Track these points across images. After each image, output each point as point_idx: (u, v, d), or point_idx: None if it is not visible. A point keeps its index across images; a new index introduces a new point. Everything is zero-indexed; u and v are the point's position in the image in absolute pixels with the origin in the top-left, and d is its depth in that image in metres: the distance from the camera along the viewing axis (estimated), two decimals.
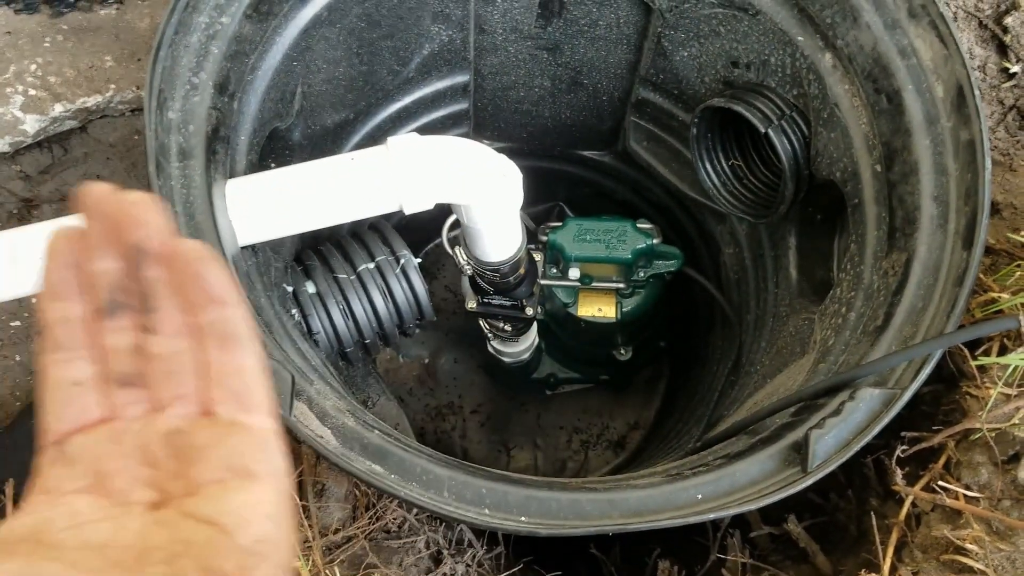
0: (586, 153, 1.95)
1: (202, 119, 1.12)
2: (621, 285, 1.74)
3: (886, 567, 0.97)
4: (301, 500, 1.06)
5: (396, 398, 2.10)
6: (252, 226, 1.15)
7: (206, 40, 1.16)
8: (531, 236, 1.71)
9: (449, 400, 2.16)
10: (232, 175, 1.18)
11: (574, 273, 1.72)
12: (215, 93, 1.14)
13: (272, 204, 1.15)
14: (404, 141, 1.16)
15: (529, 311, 1.59)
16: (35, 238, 1.13)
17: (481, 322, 1.76)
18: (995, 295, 1.07)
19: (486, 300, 1.57)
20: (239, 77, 1.20)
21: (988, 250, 1.15)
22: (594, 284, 1.75)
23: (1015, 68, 1.38)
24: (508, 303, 1.57)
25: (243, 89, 1.22)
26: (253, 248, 1.22)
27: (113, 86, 1.41)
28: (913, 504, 1.03)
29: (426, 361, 2.18)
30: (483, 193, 1.20)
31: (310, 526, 1.03)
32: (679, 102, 1.67)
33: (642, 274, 1.74)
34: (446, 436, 2.13)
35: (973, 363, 1.04)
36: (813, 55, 1.32)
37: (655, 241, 1.70)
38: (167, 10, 1.12)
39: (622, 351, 1.90)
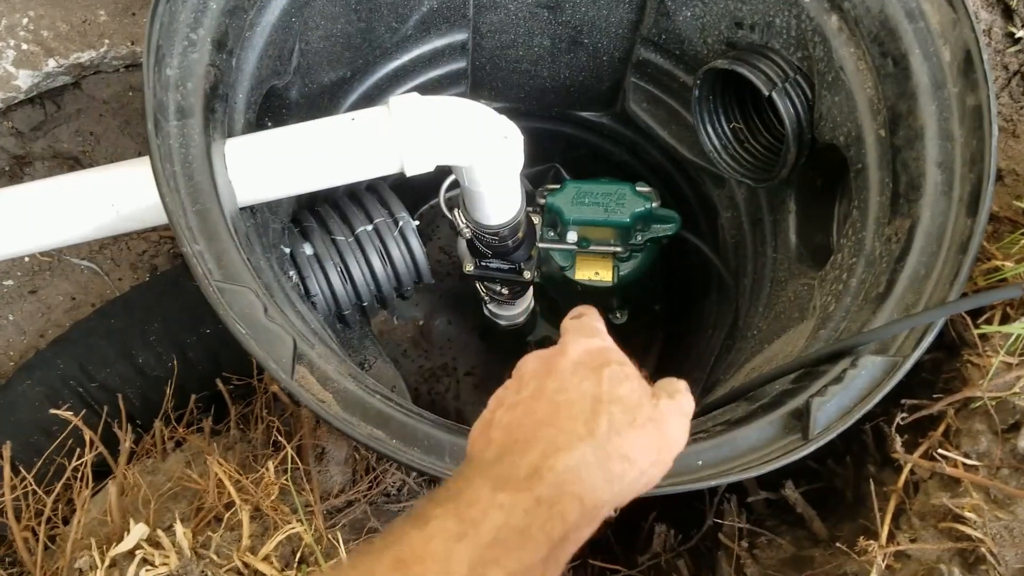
0: (584, 114, 1.93)
1: (200, 76, 1.10)
2: (618, 249, 1.73)
3: (884, 534, 0.98)
4: (302, 464, 1.06)
5: (391, 360, 2.11)
6: (252, 187, 1.14)
7: None
8: (529, 199, 1.70)
9: (443, 362, 2.16)
10: (230, 134, 1.16)
11: (572, 236, 1.71)
12: (213, 50, 1.12)
13: (272, 165, 1.14)
14: (406, 101, 1.14)
15: (527, 274, 1.58)
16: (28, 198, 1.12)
17: (478, 285, 1.75)
18: (999, 263, 1.06)
19: (484, 263, 1.56)
20: (237, 33, 1.18)
21: (991, 217, 1.14)
22: (591, 248, 1.74)
23: (1021, 33, 1.36)
24: (506, 266, 1.56)
25: (241, 46, 1.20)
26: (251, 209, 1.21)
27: (107, 41, 1.38)
28: (911, 472, 1.04)
29: (420, 323, 2.18)
30: (485, 155, 1.19)
31: (311, 490, 1.03)
32: (680, 63, 1.65)
33: (640, 238, 1.73)
34: (440, 398, 2.13)
35: (975, 331, 1.04)
36: (819, 17, 1.30)
37: (654, 205, 1.69)
38: None
39: (618, 315, 1.90)
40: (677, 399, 0.76)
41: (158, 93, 1.06)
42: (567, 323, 0.85)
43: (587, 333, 0.80)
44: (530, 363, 0.77)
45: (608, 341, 0.81)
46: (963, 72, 1.13)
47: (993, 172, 1.05)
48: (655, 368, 2.18)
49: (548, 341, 2.06)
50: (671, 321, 2.16)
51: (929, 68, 1.16)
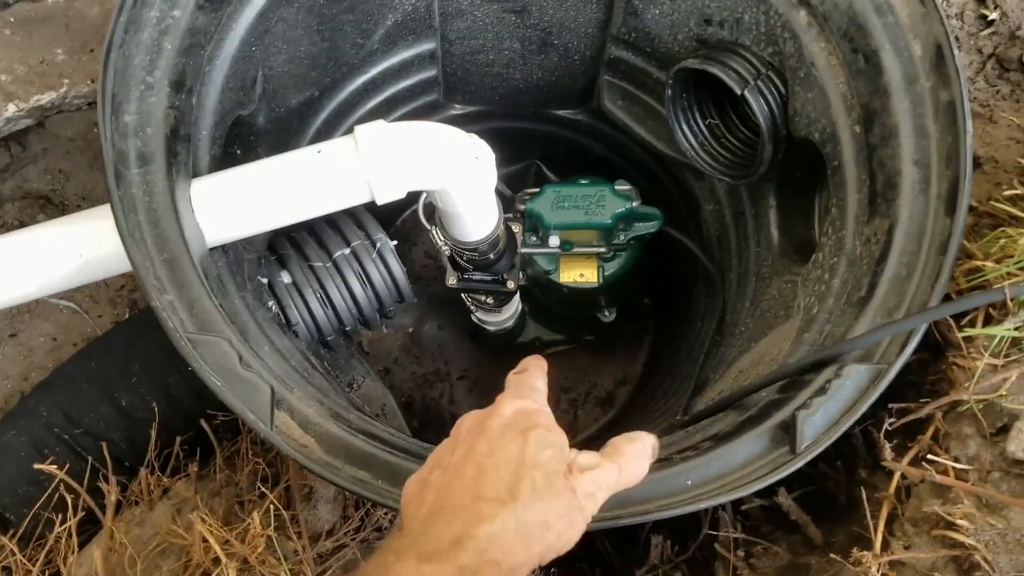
0: (561, 112, 1.91)
1: (160, 120, 1.08)
2: (602, 249, 1.72)
3: (877, 542, 0.98)
4: (289, 507, 1.06)
5: (382, 370, 2.10)
6: (220, 227, 1.12)
7: (158, 36, 1.11)
8: (508, 204, 1.68)
9: (435, 367, 2.15)
10: (196, 173, 1.14)
11: (554, 241, 1.70)
12: (171, 91, 1.10)
13: (239, 203, 1.12)
14: (371, 130, 1.12)
15: (510, 284, 1.57)
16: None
17: (463, 296, 1.74)
18: (980, 263, 1.05)
19: (466, 276, 1.54)
20: (196, 71, 1.15)
21: (970, 209, 1.13)
22: (575, 250, 1.72)
23: (993, 15, 1.34)
24: (489, 278, 1.55)
25: (201, 82, 1.17)
26: (223, 247, 1.19)
27: (67, 80, 1.36)
28: (903, 476, 1.03)
29: (410, 330, 2.17)
30: (457, 178, 1.17)
31: (299, 535, 1.02)
32: (653, 60, 1.63)
33: (623, 237, 1.72)
34: (434, 403, 2.12)
35: (959, 334, 1.03)
36: (787, 12, 1.28)
37: (634, 204, 1.67)
38: (115, 7, 1.07)
39: (606, 313, 1.89)
40: (599, 471, 0.82)
41: (116, 142, 1.04)
42: (510, 378, 0.94)
43: (522, 393, 0.87)
44: (466, 423, 0.84)
45: (541, 402, 0.88)
46: (935, 67, 1.11)
47: (970, 170, 1.04)
48: (647, 359, 2.17)
49: (539, 342, 2.06)
50: (661, 314, 2.15)
51: (900, 63, 1.14)
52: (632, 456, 0.86)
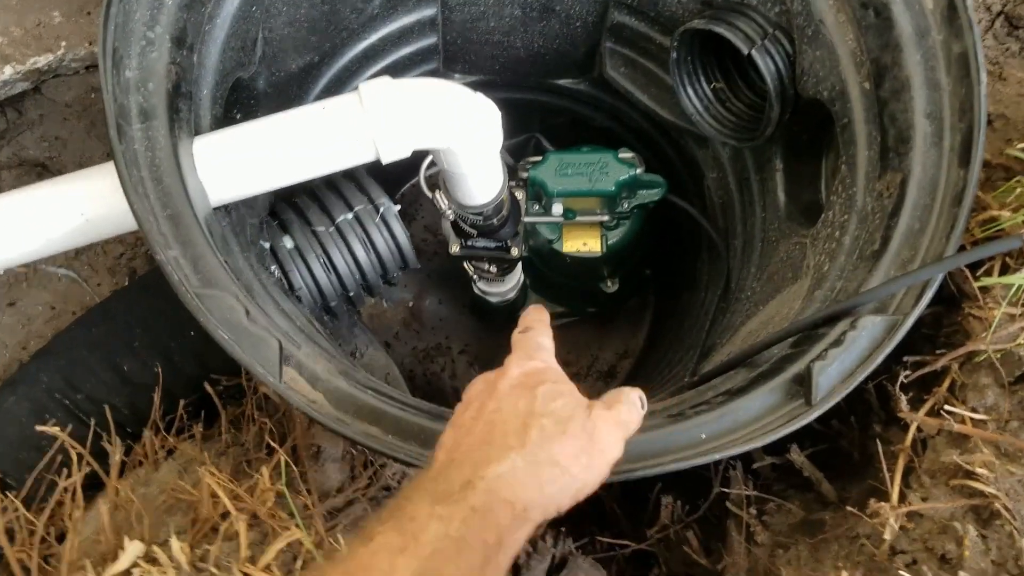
0: (562, 82, 1.89)
1: (162, 76, 1.06)
2: (605, 218, 1.71)
3: (895, 494, 0.97)
4: (297, 466, 1.04)
5: (383, 344, 2.08)
6: (224, 185, 1.10)
7: None
8: (511, 172, 1.66)
9: (436, 342, 2.14)
10: (197, 132, 1.13)
11: (557, 208, 1.68)
12: (173, 47, 1.08)
13: (243, 161, 1.10)
14: (376, 86, 1.10)
15: (514, 251, 1.55)
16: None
17: (466, 264, 1.72)
18: (995, 213, 1.04)
19: (470, 243, 1.53)
20: (197, 28, 1.14)
21: (983, 164, 1.12)
22: (578, 218, 1.71)
23: None
24: (492, 245, 1.53)
25: (202, 40, 1.16)
26: (226, 208, 1.17)
27: (64, 43, 1.34)
28: (918, 429, 1.02)
29: (411, 304, 2.15)
30: (463, 136, 1.16)
31: (309, 492, 1.01)
32: (656, 24, 1.62)
33: (626, 205, 1.71)
34: (436, 378, 2.11)
35: (975, 284, 1.02)
36: None
37: (638, 171, 1.66)
38: None
39: (609, 283, 1.88)
40: (615, 409, 0.83)
41: (118, 97, 1.02)
42: (515, 338, 0.94)
43: (529, 353, 0.88)
44: (476, 386, 0.85)
45: (548, 360, 0.89)
46: (947, 19, 1.10)
47: (984, 120, 1.03)
48: (648, 331, 2.16)
49: None
50: (664, 284, 2.14)
51: (912, 16, 1.12)
52: (630, 403, 0.86)
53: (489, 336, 2.13)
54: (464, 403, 0.84)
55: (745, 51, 1.31)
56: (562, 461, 0.74)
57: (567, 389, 0.82)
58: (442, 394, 2.08)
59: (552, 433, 0.75)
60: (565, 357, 2.12)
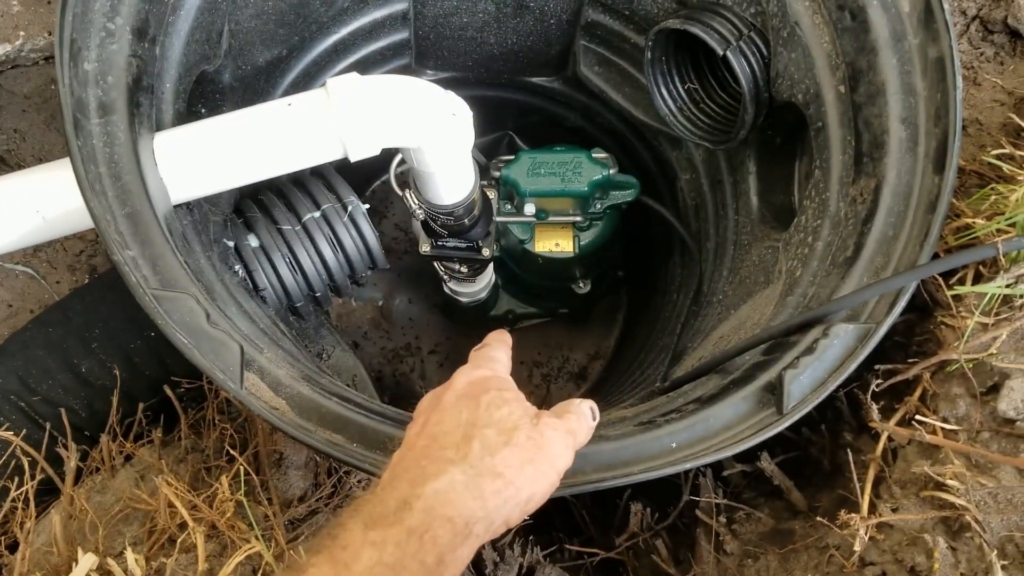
0: (535, 80, 1.87)
1: (121, 69, 1.03)
2: (578, 218, 1.69)
3: (865, 505, 0.96)
4: (258, 474, 1.01)
5: (351, 344, 2.05)
6: (185, 182, 1.07)
7: None
8: (483, 172, 1.64)
9: (406, 342, 2.11)
10: (159, 128, 1.09)
11: (529, 209, 1.66)
12: (134, 39, 1.05)
13: (205, 158, 1.07)
14: (345, 82, 1.08)
15: (486, 252, 1.53)
16: None
17: (436, 264, 1.70)
18: (969, 220, 1.03)
19: (440, 243, 1.50)
20: (159, 19, 1.10)
21: (957, 170, 1.11)
22: (550, 219, 1.69)
23: None
24: (463, 245, 1.51)
25: (164, 32, 1.12)
26: (188, 205, 1.14)
27: (22, 33, 1.29)
28: (889, 439, 1.01)
29: (380, 304, 2.12)
30: (433, 135, 1.13)
31: (270, 500, 0.98)
32: (631, 23, 1.60)
33: (599, 205, 1.69)
34: (405, 379, 2.08)
35: (948, 292, 1.01)
36: None
37: (611, 172, 1.64)
38: None
39: (581, 284, 1.86)
40: (565, 418, 0.82)
41: (76, 90, 0.98)
42: (471, 353, 0.93)
43: (478, 365, 0.87)
44: (424, 401, 0.84)
45: (498, 370, 0.88)
46: (923, 22, 1.09)
47: (959, 126, 1.02)
48: (620, 333, 2.14)
49: (511, 315, 2.03)
50: (636, 286, 2.13)
51: (888, 20, 1.12)
52: (579, 414, 0.85)
53: (459, 337, 2.10)
54: (413, 419, 0.83)
55: (720, 52, 1.30)
56: (506, 472, 0.72)
57: (512, 397, 0.81)
58: (411, 395, 2.05)
59: (495, 444, 0.74)
60: (536, 358, 2.10)
